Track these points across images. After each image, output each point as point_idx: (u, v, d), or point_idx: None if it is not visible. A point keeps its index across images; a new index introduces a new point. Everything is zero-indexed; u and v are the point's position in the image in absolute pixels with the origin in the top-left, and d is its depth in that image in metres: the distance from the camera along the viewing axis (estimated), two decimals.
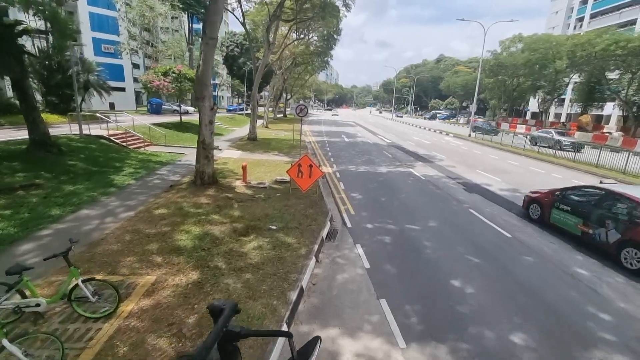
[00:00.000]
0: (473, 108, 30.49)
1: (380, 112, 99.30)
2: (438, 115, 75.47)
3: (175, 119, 28.21)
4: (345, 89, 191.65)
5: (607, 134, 37.23)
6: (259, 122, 37.39)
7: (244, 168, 10.76)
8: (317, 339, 0.88)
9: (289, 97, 59.45)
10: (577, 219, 7.70)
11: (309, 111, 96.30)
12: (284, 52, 30.67)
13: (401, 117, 74.86)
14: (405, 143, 25.80)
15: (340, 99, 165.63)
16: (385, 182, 12.77)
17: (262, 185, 10.78)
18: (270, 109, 53.26)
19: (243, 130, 29.76)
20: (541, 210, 8.77)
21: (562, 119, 59.71)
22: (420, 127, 44.15)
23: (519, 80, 53.06)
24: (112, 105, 37.50)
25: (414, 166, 16.20)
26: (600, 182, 9.13)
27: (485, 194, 11.45)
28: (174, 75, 20.86)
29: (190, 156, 15.19)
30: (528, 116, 70.84)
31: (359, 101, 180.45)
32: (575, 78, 43.23)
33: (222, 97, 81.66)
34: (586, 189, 8.27)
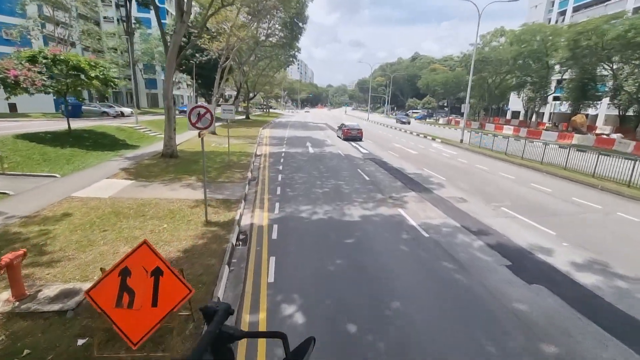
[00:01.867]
0: (466, 108, 25.34)
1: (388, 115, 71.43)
2: (414, 115, 69.48)
3: (94, 123, 21.18)
4: (321, 88, 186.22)
5: (605, 136, 33.42)
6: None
7: (7, 267, 4.29)
8: (311, 339, 0.83)
9: (251, 95, 52.59)
10: (340, 132, 27.28)
11: (281, 112, 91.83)
12: (230, 39, 24.15)
13: (407, 123, 49.58)
14: (385, 154, 20.00)
15: (315, 98, 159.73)
16: (358, 253, 6.72)
17: (59, 306, 4.41)
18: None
19: (179, 137, 23.01)
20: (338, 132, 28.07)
21: (545, 119, 56.76)
22: (399, 130, 38.83)
23: (501, 78, 49.22)
24: (13, 107, 29.41)
25: (404, 202, 10.28)
26: None
27: (561, 290, 5.61)
28: (45, 62, 13.87)
29: (22, 198, 8.51)
30: (509, 115, 67.89)
31: (334, 101, 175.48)
32: (565, 74, 39.47)
33: (182, 96, 73.32)
34: (340, 124, 29.19)
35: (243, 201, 9.63)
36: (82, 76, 14.91)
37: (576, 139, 31.08)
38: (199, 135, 7.18)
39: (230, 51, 24.87)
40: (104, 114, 32.44)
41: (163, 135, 23.08)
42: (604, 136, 32.81)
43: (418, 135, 32.65)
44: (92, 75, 15.16)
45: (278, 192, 10.98)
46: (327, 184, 12.26)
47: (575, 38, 26.02)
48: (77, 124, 21.00)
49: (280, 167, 14.97)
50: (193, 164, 14.31)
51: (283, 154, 18.67)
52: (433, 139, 28.67)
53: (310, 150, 20.67)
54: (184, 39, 36.88)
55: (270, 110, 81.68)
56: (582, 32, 25.39)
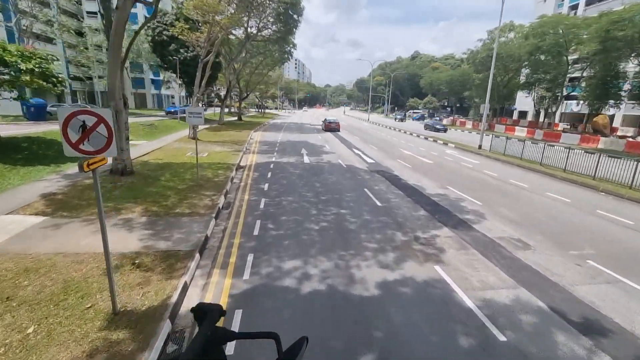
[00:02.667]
0: (485, 109, 21.98)
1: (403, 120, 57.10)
2: (414, 114, 65.20)
3: (52, 128, 17.78)
4: (319, 88, 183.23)
5: (631, 139, 30.24)
6: (181, 133, 27.06)
7: None
8: (304, 339, 0.82)
9: (244, 95, 49.17)
10: (323, 125, 35.38)
11: (277, 112, 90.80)
12: (213, 29, 20.78)
13: (444, 130, 39.65)
14: (395, 164, 16.73)
15: (312, 98, 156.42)
16: None
17: None
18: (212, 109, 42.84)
19: (158, 142, 19.64)
20: (322, 125, 35.84)
21: (556, 119, 53.69)
22: (402, 132, 35.55)
23: (509, 75, 46.12)
24: None
25: (439, 249, 6.98)
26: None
27: None
28: None
29: None
30: (515, 116, 64.83)
31: (332, 100, 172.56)
32: (575, 71, 36.32)
33: (172, 96, 69.64)
34: (323, 119, 37.74)
35: (198, 255, 6.30)
36: (6, 70, 11.54)
37: (603, 142, 27.91)
38: (84, 168, 3.81)
39: (213, 43, 21.46)
40: None
41: (140, 141, 19.72)
42: (630, 139, 29.65)
43: (426, 138, 29.40)
44: (23, 68, 11.77)
45: (255, 232, 7.66)
46: (325, 214, 8.96)
47: (608, 28, 22.87)
48: (30, 129, 17.72)
49: (265, 187, 11.64)
50: (150, 184, 10.95)
51: (272, 166, 15.35)
52: (445, 144, 25.40)
53: (306, 159, 17.34)
54: (167, 33, 33.51)
55: (266, 110, 78.43)
56: (617, 22, 22.23)
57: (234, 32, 36.13)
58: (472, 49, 43.92)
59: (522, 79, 46.63)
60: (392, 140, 27.88)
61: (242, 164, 15.80)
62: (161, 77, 60.53)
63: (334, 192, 11.25)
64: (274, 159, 17.12)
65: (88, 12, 56.48)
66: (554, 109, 37.90)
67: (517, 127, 40.41)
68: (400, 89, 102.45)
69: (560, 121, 53.59)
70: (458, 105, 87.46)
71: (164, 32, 33.41)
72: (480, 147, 21.51)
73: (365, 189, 11.63)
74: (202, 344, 0.72)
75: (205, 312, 0.82)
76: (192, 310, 0.85)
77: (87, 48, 51.16)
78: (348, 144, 24.00)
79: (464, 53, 46.57)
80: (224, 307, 2.56)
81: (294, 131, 33.83)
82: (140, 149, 17.71)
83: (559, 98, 40.86)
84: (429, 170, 15.26)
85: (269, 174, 13.60)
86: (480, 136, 21.78)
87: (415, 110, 78.55)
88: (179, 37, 21.73)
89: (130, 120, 29.72)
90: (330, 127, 33.61)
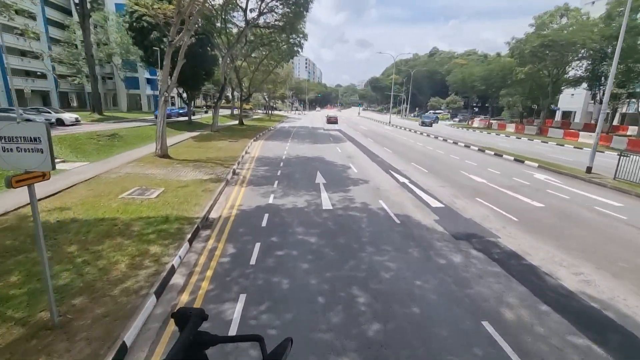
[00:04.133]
0: (603, 109, 14.15)
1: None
2: (432, 116, 55.50)
3: None
4: (330, 88, 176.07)
5: None
6: (147, 149, 19.91)
7: None
8: (288, 340, 0.80)
9: (245, 94, 42.34)
10: (325, 118, 47.10)
11: (286, 114, 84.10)
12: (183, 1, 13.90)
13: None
14: (486, 214, 9.50)
15: (324, 98, 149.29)
16: None
17: None
18: (206, 111, 36.06)
19: (89, 170, 12.57)
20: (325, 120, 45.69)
21: (615, 121, 45.19)
22: (440, 139, 28.14)
23: (560, 70, 37.85)
24: None
25: None
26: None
27: None
28: None
29: None
30: (558, 117, 56.47)
31: (344, 101, 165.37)
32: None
33: (172, 97, 63.40)
34: (326, 115, 50.71)
35: None
36: None
37: None
38: None
39: (181, 18, 14.55)
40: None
41: (83, 163, 12.93)
42: None
43: (481, 151, 21.94)
44: None
45: None
46: None
47: None
48: None
49: (237, 313, 4.62)
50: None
51: (265, 220, 8.35)
52: (519, 161, 17.90)
53: (325, 200, 10.23)
54: (148, 19, 26.77)
55: (274, 112, 71.75)
56: None
57: (231, 19, 29.48)
58: (524, 35, 36.00)
59: (574, 72, 38.56)
60: (435, 154, 20.53)
61: (212, 215, 8.85)
62: (157, 76, 54.39)
63: (414, 347, 4.15)
64: (271, 199, 10.12)
65: (76, 4, 50.67)
66: (637, 108, 29.68)
67: (580, 133, 32.40)
68: (418, 88, 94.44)
69: (620, 123, 45.11)
70: (480, 104, 78.89)
71: (144, 19, 26.86)
72: (589, 170, 14.00)
73: (491, 330, 4.49)
74: (184, 349, 0.69)
75: (187, 317, 0.77)
76: (173, 315, 0.80)
77: (72, 44, 45.39)
78: (381, 163, 16.80)
79: (507, 42, 38.61)
80: None
81: (304, 139, 26.83)
82: (57, 181, 10.85)
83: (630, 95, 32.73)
84: (558, 231, 8.01)
85: (255, 250, 6.60)
86: (590, 153, 14.19)
87: (436, 112, 70.94)
88: (135, 5, 15.08)
89: (99, 127, 22.94)
90: (331, 121, 44.12)
